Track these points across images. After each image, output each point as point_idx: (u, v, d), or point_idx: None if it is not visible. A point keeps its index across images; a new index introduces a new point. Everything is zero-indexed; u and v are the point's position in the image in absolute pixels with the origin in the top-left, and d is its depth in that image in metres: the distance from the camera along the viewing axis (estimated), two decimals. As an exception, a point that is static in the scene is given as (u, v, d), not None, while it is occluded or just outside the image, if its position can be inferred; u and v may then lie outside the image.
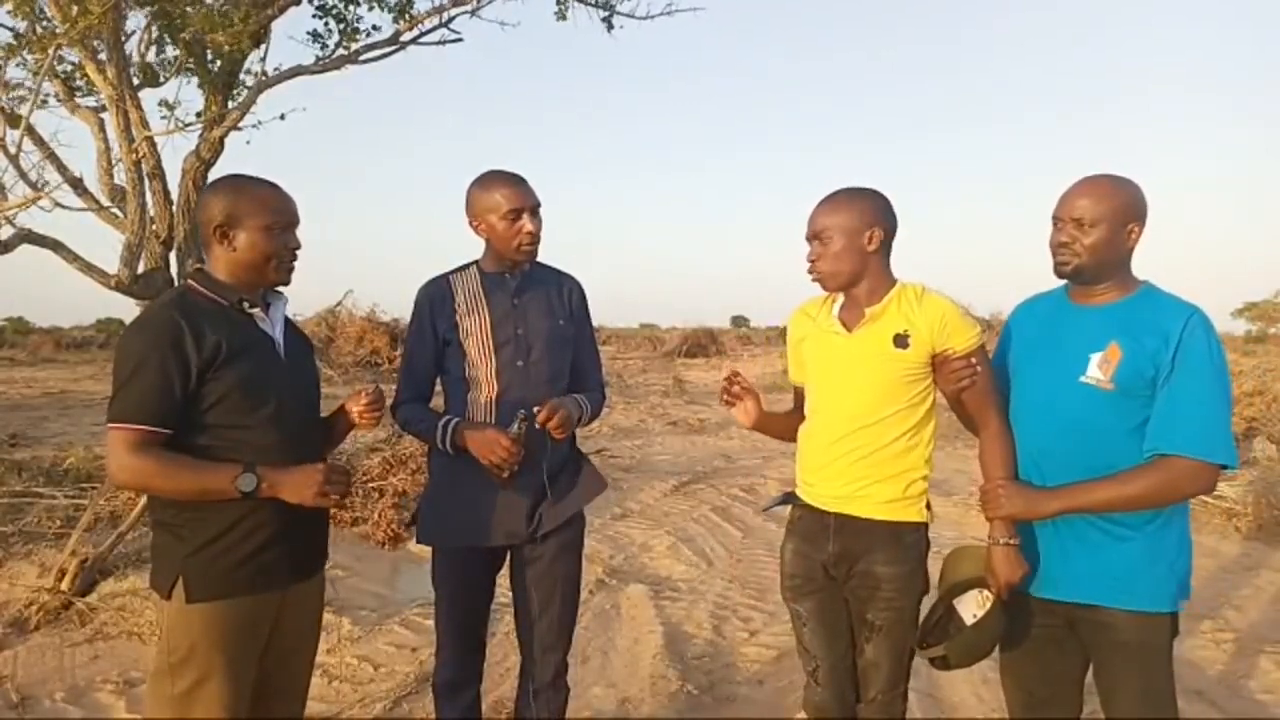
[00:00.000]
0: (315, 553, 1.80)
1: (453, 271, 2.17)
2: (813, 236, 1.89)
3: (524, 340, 2.08)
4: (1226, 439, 1.63)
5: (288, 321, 1.81)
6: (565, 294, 2.20)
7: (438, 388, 2.21)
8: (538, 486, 2.07)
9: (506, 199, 2.03)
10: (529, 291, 2.13)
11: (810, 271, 1.91)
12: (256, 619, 1.64)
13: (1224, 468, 1.65)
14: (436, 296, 2.12)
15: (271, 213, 1.66)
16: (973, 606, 1.86)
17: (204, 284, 1.68)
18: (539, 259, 2.15)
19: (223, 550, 1.58)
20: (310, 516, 1.75)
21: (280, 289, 1.79)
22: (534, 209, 2.07)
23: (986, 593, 1.83)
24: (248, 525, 1.60)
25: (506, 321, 2.08)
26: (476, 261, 2.16)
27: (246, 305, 1.68)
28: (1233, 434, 1.70)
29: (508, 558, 2.16)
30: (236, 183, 1.69)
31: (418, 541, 2.19)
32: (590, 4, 6.44)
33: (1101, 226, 1.70)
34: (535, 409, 1.97)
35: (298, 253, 1.74)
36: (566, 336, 2.15)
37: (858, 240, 1.84)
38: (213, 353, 1.56)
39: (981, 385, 1.82)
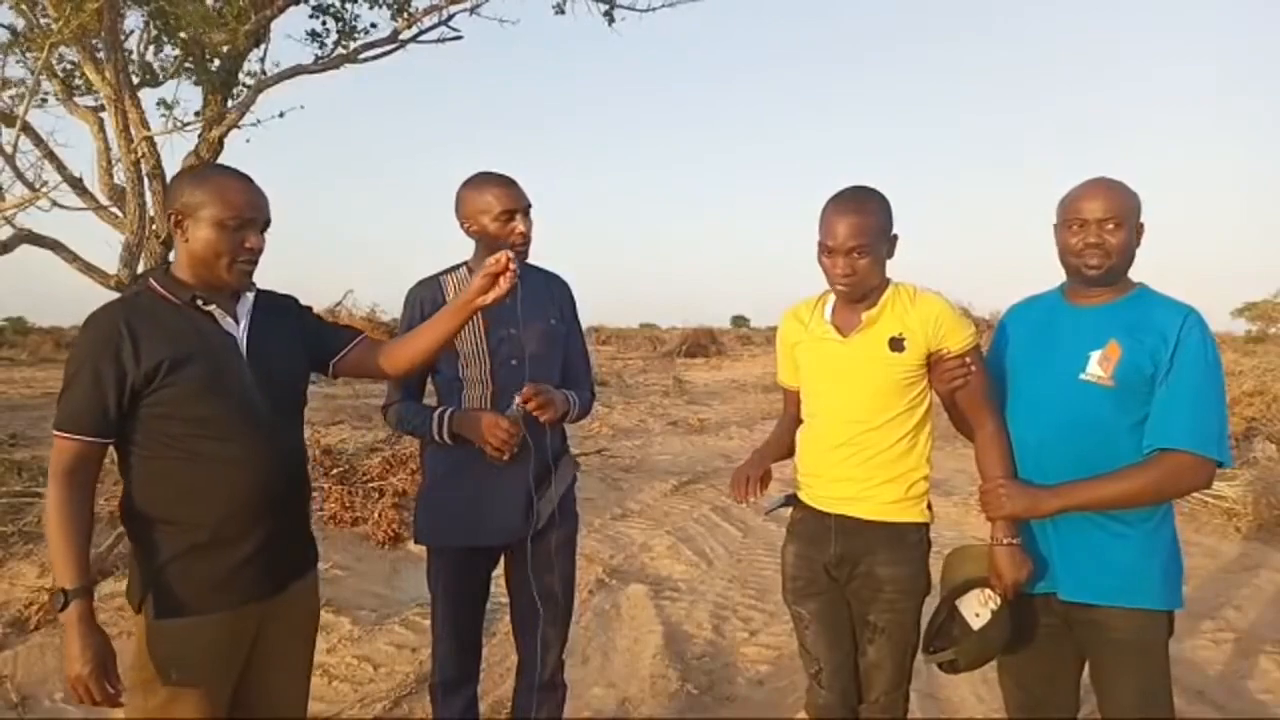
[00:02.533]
0: (293, 567, 1.70)
1: (443, 272, 2.16)
2: (848, 251, 1.78)
3: (517, 340, 2.08)
4: (1222, 436, 1.65)
5: (267, 307, 1.68)
6: (555, 294, 2.21)
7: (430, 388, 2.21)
8: (529, 485, 2.06)
9: (499, 200, 2.03)
10: (520, 291, 2.12)
11: (840, 284, 1.82)
12: (230, 635, 1.58)
13: (1220, 465, 1.65)
14: (427, 297, 2.11)
15: (225, 206, 1.53)
16: (974, 606, 1.86)
17: (162, 281, 1.59)
18: (528, 260, 2.14)
19: (190, 567, 1.52)
20: (288, 533, 1.67)
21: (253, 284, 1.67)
22: (526, 210, 2.07)
23: (988, 592, 1.83)
24: (218, 542, 1.54)
25: (499, 322, 2.06)
26: (466, 262, 2.16)
27: (201, 303, 1.56)
28: (1229, 433, 1.71)
29: (503, 556, 2.17)
30: (201, 171, 1.59)
31: (416, 541, 2.19)
32: (591, -3, 6.41)
33: (1125, 226, 1.72)
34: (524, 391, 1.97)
35: (255, 254, 1.59)
36: (558, 335, 2.16)
37: (883, 250, 1.82)
38: (154, 364, 1.48)
39: (976, 385, 1.81)
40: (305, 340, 1.76)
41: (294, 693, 1.76)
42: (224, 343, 1.58)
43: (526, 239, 2.07)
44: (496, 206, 2.03)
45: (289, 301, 1.80)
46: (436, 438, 2.04)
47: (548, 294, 2.19)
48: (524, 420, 1.97)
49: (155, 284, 1.59)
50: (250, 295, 1.65)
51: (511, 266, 1.66)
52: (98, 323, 1.52)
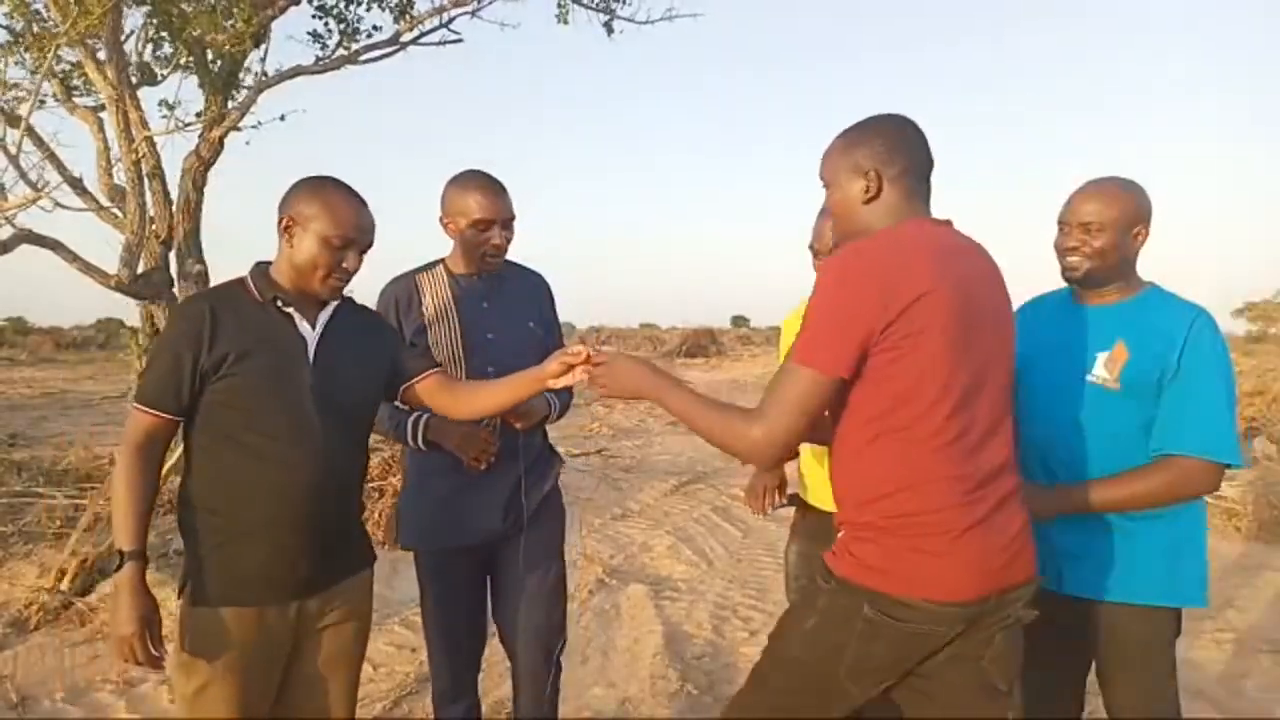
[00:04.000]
0: (334, 569, 1.70)
1: (419, 270, 2.11)
2: (829, 252, 1.82)
3: (495, 345, 2.04)
4: (1232, 439, 1.64)
5: (348, 318, 1.73)
6: (534, 294, 2.16)
7: None
8: (512, 483, 2.05)
9: (479, 207, 1.99)
10: (498, 294, 2.09)
11: None
12: (262, 629, 1.59)
13: (1229, 466, 1.65)
14: (403, 297, 2.07)
15: (335, 224, 1.59)
16: None
17: (255, 277, 1.66)
18: (507, 257, 2.10)
19: (226, 558, 1.57)
20: (329, 535, 1.67)
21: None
22: (505, 222, 2.02)
23: None
24: (254, 537, 1.57)
25: (476, 327, 2.04)
26: (444, 259, 2.12)
27: (281, 304, 1.62)
28: (1238, 433, 1.71)
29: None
30: (319, 184, 1.63)
31: (399, 545, 2.17)
32: (590, 8, 6.46)
33: (1109, 231, 1.70)
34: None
35: (350, 274, 1.65)
36: (536, 340, 2.09)
37: None
38: (223, 353, 1.54)
39: None
40: (383, 359, 1.79)
41: (337, 692, 1.74)
42: (294, 344, 1.63)
43: (500, 251, 2.03)
44: (475, 213, 1.99)
45: (374, 318, 1.85)
46: (412, 444, 2.02)
47: (526, 295, 2.15)
48: (499, 429, 1.95)
49: (248, 278, 1.66)
50: (334, 304, 1.71)
51: (590, 366, 1.64)
52: (187, 307, 1.63)
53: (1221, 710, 2.95)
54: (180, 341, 1.55)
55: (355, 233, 1.62)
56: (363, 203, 1.65)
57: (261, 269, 1.67)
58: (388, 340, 1.83)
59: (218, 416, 1.57)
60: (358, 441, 1.76)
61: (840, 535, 1.42)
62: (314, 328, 1.66)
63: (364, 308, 1.81)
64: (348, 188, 1.65)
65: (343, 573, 1.72)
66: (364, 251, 1.67)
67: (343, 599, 1.71)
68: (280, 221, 1.62)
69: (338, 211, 1.60)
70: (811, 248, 1.86)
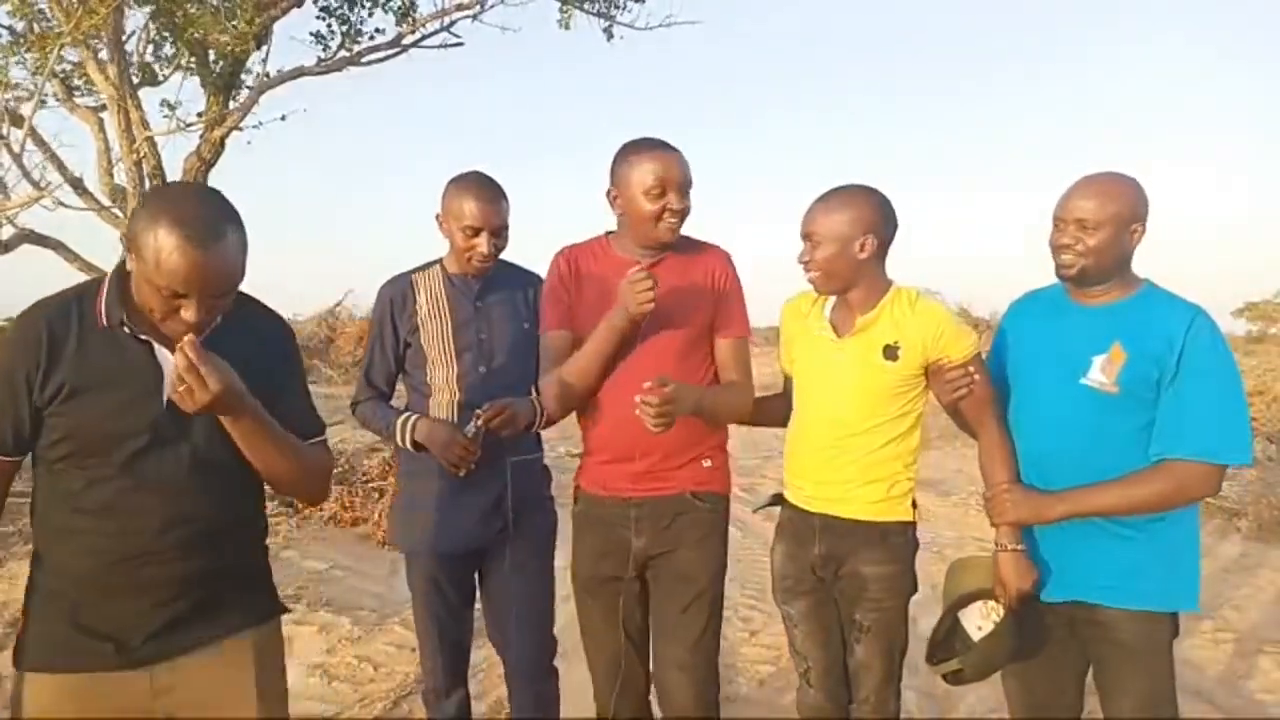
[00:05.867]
0: (190, 634, 1.40)
1: (415, 270, 2.12)
2: (805, 236, 1.84)
3: (487, 345, 2.05)
4: (1240, 437, 1.61)
5: (233, 341, 1.34)
6: (529, 296, 2.14)
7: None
8: (498, 490, 2.05)
9: (471, 214, 1.98)
10: (492, 295, 2.09)
11: (804, 271, 1.88)
12: (99, 702, 1.33)
13: (1238, 465, 1.63)
14: (398, 296, 2.08)
15: (158, 271, 1.21)
16: (976, 618, 1.84)
17: (111, 291, 1.33)
18: (503, 257, 2.11)
19: (55, 615, 1.33)
20: (189, 588, 1.39)
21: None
22: (496, 230, 2.01)
23: (991, 603, 1.81)
24: (89, 592, 1.33)
25: (468, 326, 2.04)
26: (440, 260, 2.13)
27: (138, 335, 1.32)
28: (1250, 428, 1.67)
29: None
30: (161, 208, 1.23)
31: (389, 544, 2.18)
32: (591, 13, 6.48)
33: (1106, 229, 1.66)
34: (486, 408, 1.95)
35: (193, 325, 1.26)
36: (530, 341, 2.05)
37: (849, 248, 1.78)
38: (56, 386, 1.28)
39: (979, 393, 1.79)
40: (270, 388, 1.39)
41: None
42: (148, 375, 1.33)
43: (487, 259, 2.02)
44: (466, 219, 1.98)
45: (272, 344, 1.48)
46: (400, 443, 2.03)
47: (522, 296, 2.14)
48: (483, 437, 1.95)
49: (102, 291, 1.34)
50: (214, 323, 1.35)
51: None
52: (20, 328, 1.32)
53: (1221, 710, 2.95)
54: (12, 372, 1.27)
55: (187, 286, 1.22)
56: (213, 243, 1.22)
57: (121, 278, 1.34)
58: (280, 378, 1.46)
59: (45, 454, 1.33)
60: (226, 486, 1.41)
61: (706, 464, 2.03)
62: (167, 360, 1.31)
63: (258, 322, 1.47)
64: (199, 221, 1.22)
65: (210, 637, 1.42)
66: (215, 298, 1.28)
67: (210, 665, 1.41)
68: (123, 238, 1.28)
69: (163, 260, 1.20)
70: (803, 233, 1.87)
